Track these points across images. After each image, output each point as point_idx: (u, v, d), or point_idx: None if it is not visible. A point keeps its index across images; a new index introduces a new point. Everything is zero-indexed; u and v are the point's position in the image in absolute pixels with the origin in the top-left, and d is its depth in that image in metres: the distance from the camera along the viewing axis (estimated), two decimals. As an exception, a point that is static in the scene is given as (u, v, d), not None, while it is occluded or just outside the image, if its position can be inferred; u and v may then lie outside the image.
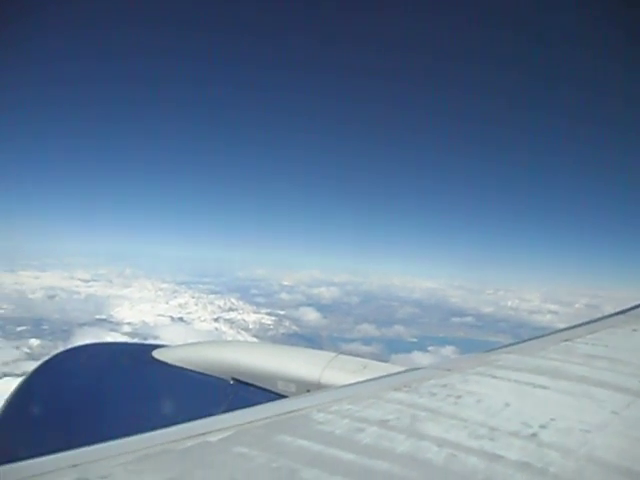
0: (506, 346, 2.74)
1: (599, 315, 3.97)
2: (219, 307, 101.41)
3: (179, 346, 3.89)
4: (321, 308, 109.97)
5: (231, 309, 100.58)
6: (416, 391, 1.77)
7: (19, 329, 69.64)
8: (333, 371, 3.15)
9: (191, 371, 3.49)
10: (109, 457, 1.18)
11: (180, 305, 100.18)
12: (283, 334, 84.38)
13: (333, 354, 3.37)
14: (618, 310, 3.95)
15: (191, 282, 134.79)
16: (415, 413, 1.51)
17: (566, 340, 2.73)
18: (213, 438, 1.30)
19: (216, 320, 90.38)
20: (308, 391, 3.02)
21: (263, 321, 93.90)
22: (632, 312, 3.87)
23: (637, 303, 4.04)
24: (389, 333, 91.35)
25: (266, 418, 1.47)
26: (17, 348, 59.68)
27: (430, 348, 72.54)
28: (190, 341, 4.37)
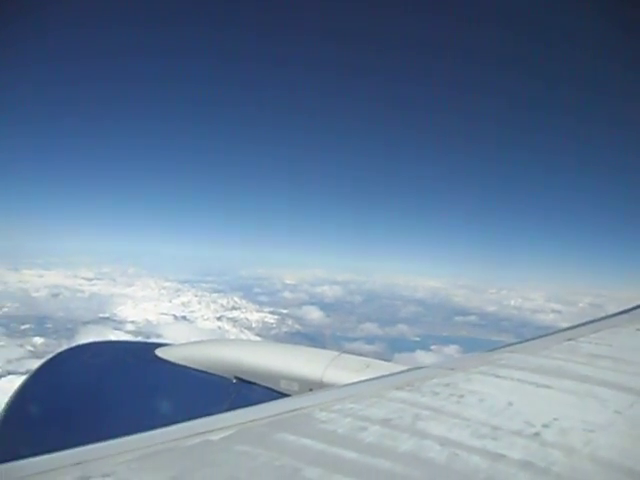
0: (509, 345, 2.73)
1: (603, 314, 3.97)
2: (222, 306, 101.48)
3: (182, 344, 3.90)
4: (324, 307, 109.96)
5: (234, 308, 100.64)
6: (419, 390, 1.76)
7: (23, 327, 69.82)
8: (336, 370, 3.15)
9: (194, 369, 3.49)
10: (112, 455, 1.19)
11: (183, 304, 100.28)
12: (286, 333, 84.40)
13: (336, 353, 3.37)
14: (622, 309, 3.94)
15: (194, 281, 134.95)
16: (418, 412, 1.51)
17: (569, 339, 2.72)
18: (215, 436, 1.30)
19: (219, 319, 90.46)
20: (311, 390, 3.02)
21: (266, 320, 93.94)
22: (636, 311, 3.86)
23: None
24: (392, 332, 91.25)
25: (269, 417, 1.47)
26: (21, 346, 59.87)
27: (433, 347, 72.44)
28: (193, 340, 4.37)
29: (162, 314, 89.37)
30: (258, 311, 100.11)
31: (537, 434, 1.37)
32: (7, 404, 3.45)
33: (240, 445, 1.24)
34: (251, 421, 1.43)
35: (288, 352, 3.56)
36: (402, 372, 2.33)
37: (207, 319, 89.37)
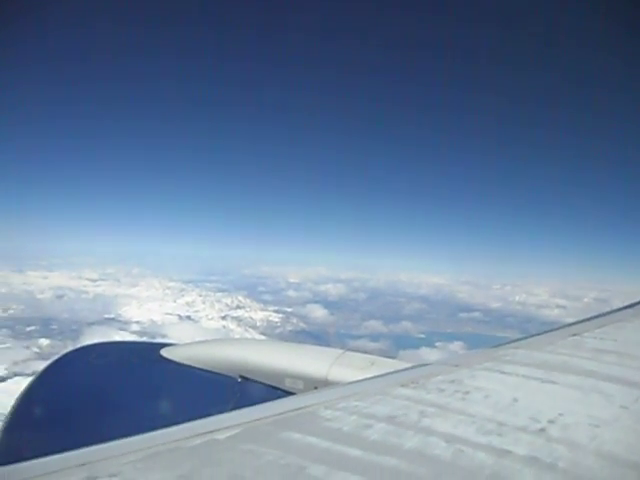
0: (514, 341, 2.72)
1: (608, 309, 3.95)
2: (226, 305, 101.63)
3: (187, 344, 3.91)
4: (328, 305, 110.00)
5: (238, 307, 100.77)
6: (424, 387, 1.76)
7: (28, 329, 70.11)
8: (340, 368, 3.15)
9: (199, 369, 3.50)
10: (118, 455, 1.19)
11: (188, 303, 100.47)
12: (290, 331, 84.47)
13: (340, 351, 3.37)
14: (627, 304, 3.93)
15: (198, 280, 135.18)
16: (423, 409, 1.51)
17: (574, 335, 2.71)
18: (221, 436, 1.30)
19: (223, 318, 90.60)
20: (316, 388, 3.02)
21: (270, 318, 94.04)
22: None
23: None
24: (396, 329, 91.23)
25: (274, 415, 1.47)
26: (27, 348, 60.12)
27: (438, 344, 72.36)
28: (198, 339, 4.38)
29: (167, 314, 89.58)
30: (262, 310, 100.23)
31: (543, 430, 1.37)
32: (14, 405, 3.46)
33: (246, 444, 1.24)
34: (256, 420, 1.44)
35: (292, 351, 3.56)
36: (407, 369, 2.33)
37: (211, 318, 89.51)
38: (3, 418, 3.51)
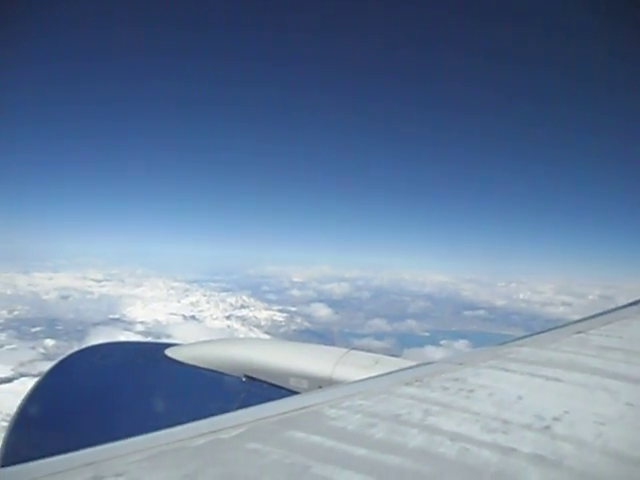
0: (519, 339, 2.72)
1: (613, 306, 3.94)
2: (231, 305, 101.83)
3: (191, 344, 3.91)
4: (332, 304, 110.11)
5: (243, 306, 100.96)
6: (428, 385, 1.76)
7: (34, 330, 70.41)
8: (345, 367, 3.15)
9: (204, 369, 3.50)
10: (124, 455, 1.19)
11: (192, 303, 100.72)
12: (295, 330, 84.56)
13: (344, 350, 3.37)
14: (632, 301, 3.91)
15: (202, 280, 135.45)
16: (427, 407, 1.51)
17: (579, 332, 2.70)
18: (226, 435, 1.30)
19: (228, 318, 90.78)
20: (320, 387, 3.02)
21: (275, 318, 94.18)
22: None
23: None
24: (401, 328, 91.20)
25: (278, 414, 1.47)
26: (33, 348, 60.38)
27: (443, 342, 72.29)
28: (202, 339, 4.39)
29: (171, 314, 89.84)
30: (267, 309, 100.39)
31: (548, 427, 1.37)
32: (20, 406, 3.48)
33: (251, 443, 1.24)
34: (261, 419, 1.44)
35: (297, 350, 3.56)
36: (411, 368, 2.33)
37: (216, 318, 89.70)
38: (9, 419, 3.53)
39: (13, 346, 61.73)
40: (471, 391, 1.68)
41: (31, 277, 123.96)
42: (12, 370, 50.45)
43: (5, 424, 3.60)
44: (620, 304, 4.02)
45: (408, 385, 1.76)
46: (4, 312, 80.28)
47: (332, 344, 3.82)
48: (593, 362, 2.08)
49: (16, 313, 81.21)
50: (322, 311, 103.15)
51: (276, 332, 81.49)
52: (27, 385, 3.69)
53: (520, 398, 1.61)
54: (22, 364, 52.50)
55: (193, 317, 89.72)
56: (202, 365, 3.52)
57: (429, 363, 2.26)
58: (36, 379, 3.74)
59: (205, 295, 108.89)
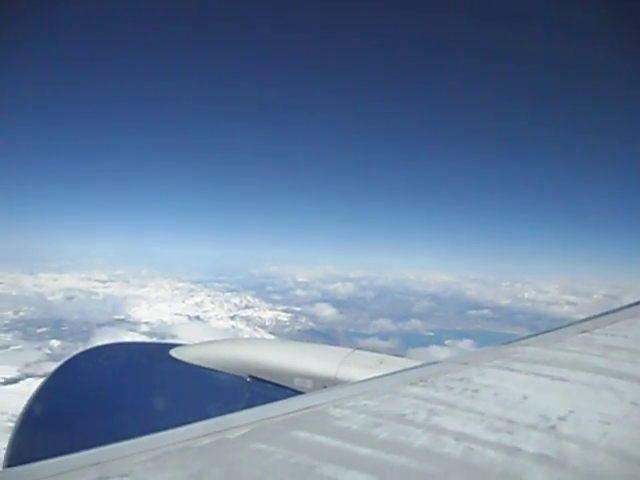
0: (523, 338, 2.71)
1: (618, 305, 3.92)
2: (235, 305, 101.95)
3: (196, 345, 3.92)
4: (337, 304, 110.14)
5: (247, 307, 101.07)
6: (433, 385, 1.76)
7: (39, 331, 70.69)
8: (349, 367, 3.15)
9: (208, 369, 3.51)
10: (129, 455, 1.20)
11: (197, 304, 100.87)
12: (299, 330, 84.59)
13: (349, 350, 3.37)
14: (637, 300, 3.90)
15: (207, 281, 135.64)
16: (432, 407, 1.51)
17: (584, 331, 2.69)
18: (231, 435, 1.30)
19: (232, 318, 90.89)
20: (325, 387, 3.02)
21: (279, 318, 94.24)
22: None
23: None
24: (406, 327, 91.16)
25: (283, 414, 1.47)
26: (38, 349, 60.61)
27: (447, 342, 72.18)
28: (207, 339, 4.39)
29: (176, 314, 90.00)
30: (271, 309, 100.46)
31: (553, 427, 1.36)
32: (25, 406, 3.49)
33: (255, 443, 1.24)
34: (266, 419, 1.44)
35: (301, 350, 3.56)
36: (415, 367, 2.32)
37: (221, 318, 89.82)
38: (15, 419, 3.54)
39: (19, 347, 61.97)
40: (476, 391, 1.68)
41: (36, 278, 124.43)
42: (18, 371, 50.67)
43: (11, 424, 3.62)
44: (625, 303, 4.01)
45: (413, 385, 1.76)
46: (10, 313, 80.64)
47: (336, 344, 3.82)
48: (598, 361, 2.07)
49: (22, 314, 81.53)
50: (326, 311, 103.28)
51: (281, 332, 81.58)
52: (33, 386, 3.70)
53: (525, 398, 1.61)
54: (28, 365, 52.71)
55: (198, 317, 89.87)
56: (207, 365, 3.53)
57: (434, 363, 2.26)
58: (42, 380, 3.75)
59: (210, 295, 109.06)
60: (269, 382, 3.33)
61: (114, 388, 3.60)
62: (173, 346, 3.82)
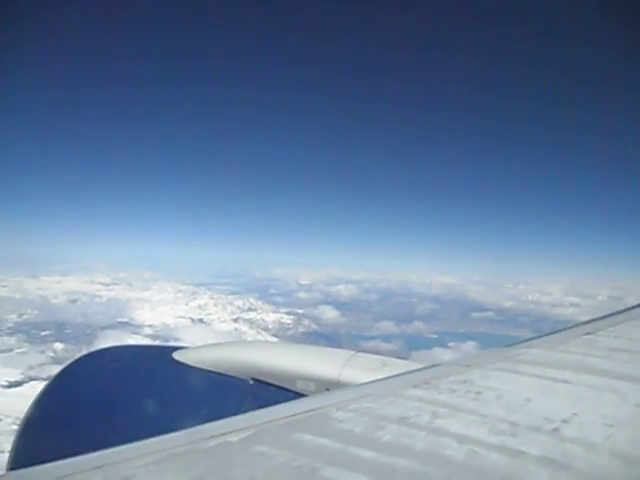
0: (527, 340, 2.70)
1: (622, 307, 3.91)
2: (238, 307, 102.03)
3: (199, 347, 3.92)
4: (340, 306, 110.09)
5: (250, 309, 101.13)
6: (436, 388, 1.76)
7: (43, 333, 70.89)
8: (352, 369, 3.14)
9: (211, 372, 3.51)
10: (132, 458, 1.20)
11: (200, 306, 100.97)
12: (302, 333, 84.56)
13: (352, 352, 3.36)
14: None
15: (210, 283, 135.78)
16: (435, 410, 1.50)
17: (588, 333, 2.69)
18: (234, 438, 1.30)
19: (235, 320, 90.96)
20: (327, 390, 3.02)
21: (282, 320, 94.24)
22: None
23: None
24: (409, 330, 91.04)
25: (286, 417, 1.47)
26: (42, 352, 60.79)
27: (451, 344, 72.08)
28: (210, 342, 4.39)
29: (179, 317, 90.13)
30: (274, 312, 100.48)
31: (556, 430, 1.36)
32: (29, 409, 3.50)
33: (258, 446, 1.24)
34: (269, 422, 1.44)
35: (304, 352, 3.56)
36: (418, 370, 2.32)
37: (223, 321, 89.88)
38: (19, 422, 3.55)
39: (22, 350, 62.16)
40: (479, 393, 1.68)
41: (40, 281, 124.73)
42: (22, 374, 50.84)
43: (15, 427, 3.63)
44: (629, 305, 4.00)
45: (416, 387, 1.76)
46: (13, 316, 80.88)
47: (339, 346, 3.81)
48: (602, 363, 2.07)
49: (25, 317, 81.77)
50: (329, 313, 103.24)
51: (284, 334, 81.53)
52: (36, 389, 3.71)
53: (528, 400, 1.61)
54: (31, 368, 52.86)
55: (201, 320, 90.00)
56: (210, 368, 3.53)
57: (436, 365, 2.25)
58: (45, 383, 3.76)
59: (213, 298, 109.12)
60: (272, 385, 3.33)
61: (117, 391, 3.60)
62: (176, 349, 3.82)
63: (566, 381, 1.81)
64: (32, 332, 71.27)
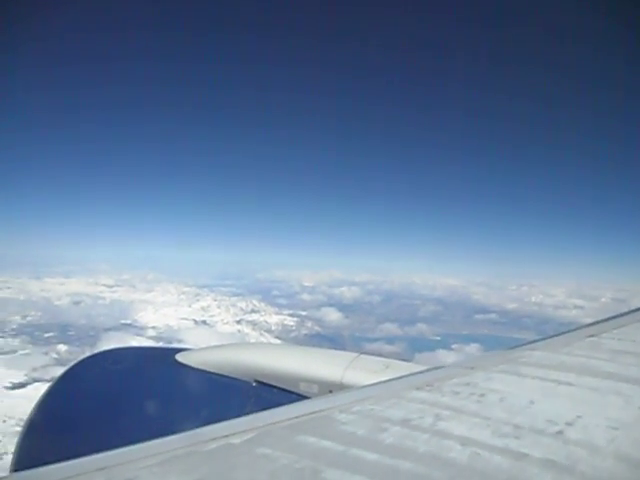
0: (530, 343, 2.70)
1: (626, 309, 3.90)
2: (241, 309, 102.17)
3: (202, 349, 3.92)
4: (343, 308, 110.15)
5: (253, 311, 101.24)
6: (439, 390, 1.75)
7: (47, 335, 71.17)
8: (355, 371, 3.14)
9: (214, 374, 3.51)
10: (135, 460, 1.20)
11: (203, 308, 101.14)
12: (305, 335, 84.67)
13: (355, 354, 3.36)
14: None
15: (213, 285, 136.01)
16: (438, 412, 1.50)
17: (592, 336, 2.68)
18: (237, 440, 1.30)
19: (239, 322, 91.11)
20: (330, 392, 3.02)
21: (285, 322, 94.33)
22: None
23: None
24: (412, 332, 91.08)
25: (289, 419, 1.47)
26: (46, 354, 61.03)
27: (454, 346, 72.11)
28: (213, 344, 4.40)
29: (182, 319, 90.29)
30: (277, 314, 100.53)
31: (560, 432, 1.35)
32: (33, 411, 3.51)
33: (261, 448, 1.24)
34: (271, 424, 1.44)
35: (307, 354, 3.56)
36: (422, 372, 2.32)
37: (227, 323, 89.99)
38: (23, 423, 3.56)
39: (26, 351, 62.40)
40: (482, 395, 1.67)
41: (43, 283, 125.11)
42: (25, 375, 51.04)
43: (18, 429, 3.63)
44: (633, 307, 3.98)
45: (419, 390, 1.76)
46: (17, 318, 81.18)
47: (343, 348, 3.81)
48: (606, 366, 2.06)
49: (29, 319, 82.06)
50: (332, 315, 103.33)
51: (287, 336, 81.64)
52: (40, 390, 3.72)
53: (532, 403, 1.60)
54: (35, 369, 53.07)
55: (204, 322, 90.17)
56: (213, 370, 3.53)
57: (440, 367, 2.25)
58: (49, 384, 3.77)
59: (216, 300, 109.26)
60: (275, 387, 3.33)
61: (120, 392, 3.61)
62: (179, 351, 3.82)
63: (570, 383, 1.81)
64: (36, 334, 71.55)
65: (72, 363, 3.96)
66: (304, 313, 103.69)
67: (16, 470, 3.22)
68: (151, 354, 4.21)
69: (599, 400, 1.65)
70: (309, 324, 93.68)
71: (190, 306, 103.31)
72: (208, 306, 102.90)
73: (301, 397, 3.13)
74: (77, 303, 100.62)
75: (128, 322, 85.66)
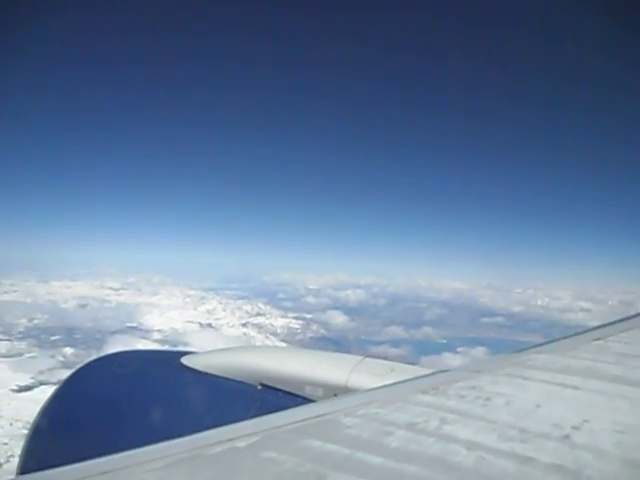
0: (536, 346, 2.68)
1: (633, 312, 3.88)
2: (247, 312, 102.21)
3: (207, 352, 3.93)
4: (348, 311, 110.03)
5: (259, 314, 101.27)
6: (444, 393, 1.75)
7: (53, 338, 71.35)
8: (360, 375, 3.13)
9: (219, 377, 3.51)
10: (140, 463, 1.20)
11: (208, 311, 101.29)
12: (311, 338, 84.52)
13: (359, 357, 3.36)
14: None
15: (218, 288, 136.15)
16: (443, 416, 1.49)
17: (598, 339, 2.66)
18: (242, 443, 1.30)
19: (244, 325, 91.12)
20: (335, 395, 3.01)
21: (291, 325, 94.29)
22: None
23: None
24: (418, 335, 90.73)
25: (294, 423, 1.47)
26: (52, 357, 61.16)
27: (460, 349, 71.77)
28: (219, 347, 4.40)
29: (188, 322, 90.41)
30: (282, 317, 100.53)
31: (566, 436, 1.35)
32: (39, 414, 3.52)
33: (266, 451, 1.24)
34: (276, 427, 1.44)
35: (312, 358, 3.55)
36: (427, 376, 2.31)
37: (232, 326, 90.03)
38: (29, 426, 3.57)
39: (33, 354, 62.59)
40: (488, 399, 1.67)
41: (49, 286, 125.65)
42: (32, 378, 51.17)
43: (25, 431, 3.65)
44: (640, 310, 3.96)
45: (424, 393, 1.75)
46: (24, 321, 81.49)
47: (348, 351, 3.80)
48: (612, 369, 2.05)
49: (35, 322, 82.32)
50: (338, 318, 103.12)
51: (292, 339, 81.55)
52: (46, 393, 3.73)
53: (538, 406, 1.59)
54: (41, 372, 53.21)
55: (209, 325, 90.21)
56: (218, 373, 3.53)
57: (445, 371, 2.24)
58: (55, 387, 3.78)
59: (221, 303, 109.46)
60: (280, 390, 3.33)
61: (126, 396, 3.61)
62: (184, 354, 3.83)
63: (576, 387, 1.80)
64: (42, 337, 71.77)
65: (78, 366, 3.97)
66: (309, 316, 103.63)
67: (23, 473, 3.23)
68: (157, 357, 4.22)
69: (606, 404, 1.64)
70: (314, 327, 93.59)
71: (196, 309, 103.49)
72: (214, 309, 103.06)
73: (306, 400, 3.12)
74: (83, 306, 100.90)
75: (134, 325, 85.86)
